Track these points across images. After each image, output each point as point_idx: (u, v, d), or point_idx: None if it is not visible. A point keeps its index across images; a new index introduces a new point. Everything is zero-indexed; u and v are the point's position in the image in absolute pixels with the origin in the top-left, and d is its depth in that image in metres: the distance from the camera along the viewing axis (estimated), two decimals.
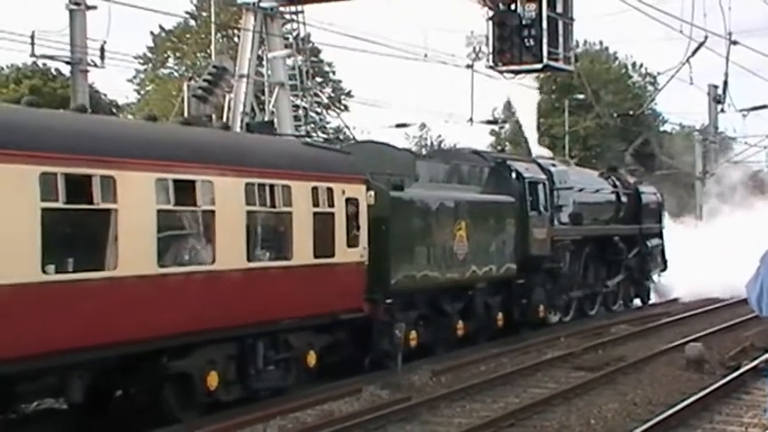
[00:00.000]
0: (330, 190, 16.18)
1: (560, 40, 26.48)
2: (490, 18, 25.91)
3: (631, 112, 55.01)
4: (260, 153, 15.45)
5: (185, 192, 13.48)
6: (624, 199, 28.89)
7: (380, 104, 79.48)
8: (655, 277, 31.31)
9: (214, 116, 28.14)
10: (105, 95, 54.80)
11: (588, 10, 75.69)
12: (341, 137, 47.46)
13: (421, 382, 16.67)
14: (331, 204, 16.21)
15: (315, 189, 15.88)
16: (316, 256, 15.82)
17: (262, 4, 28.38)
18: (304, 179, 15.69)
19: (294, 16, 30.39)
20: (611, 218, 28.38)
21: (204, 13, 54.24)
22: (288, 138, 17.81)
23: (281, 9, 29.50)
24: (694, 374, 17.60)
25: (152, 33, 60.54)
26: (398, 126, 54.91)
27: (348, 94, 63.00)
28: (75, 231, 12.43)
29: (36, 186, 11.44)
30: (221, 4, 47.00)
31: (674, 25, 28.25)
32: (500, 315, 21.76)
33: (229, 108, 28.86)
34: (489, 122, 63.92)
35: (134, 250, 12.66)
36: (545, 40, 25.74)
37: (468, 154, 23.08)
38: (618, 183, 28.99)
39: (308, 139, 18.02)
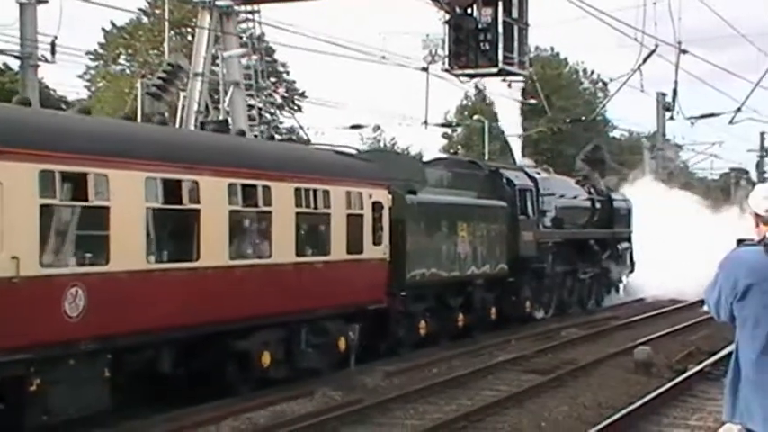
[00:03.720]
0: (360, 194, 19.19)
1: (515, 44, 27.37)
2: (447, 21, 26.50)
3: (584, 118, 58.36)
4: (305, 162, 18.44)
5: (250, 195, 16.43)
6: (598, 205, 32.03)
7: (335, 105, 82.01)
8: (623, 278, 34.60)
9: (167, 114, 30.30)
10: (55, 91, 56.35)
11: (543, 16, 79.14)
12: (294, 137, 49.69)
13: (374, 384, 17.52)
14: (360, 207, 19.19)
15: (348, 193, 18.89)
16: (348, 253, 18.81)
17: (217, 3, 29.48)
18: (339, 184, 18.69)
19: (250, 15, 31.98)
20: (587, 222, 31.47)
21: (158, 11, 55.83)
22: (325, 149, 20.77)
23: (237, 8, 30.73)
24: (642, 377, 18.37)
25: (103, 30, 61.99)
26: (353, 127, 57.26)
27: (302, 95, 65.21)
28: (168, 227, 15.22)
29: (143, 189, 14.26)
30: (175, 1, 49.03)
31: (629, 33, 29.52)
32: (494, 310, 24.95)
33: (183, 106, 30.17)
34: (443, 125, 67.08)
35: (211, 244, 15.55)
36: (500, 45, 26.51)
37: (465, 162, 26.20)
38: (593, 190, 32.14)
39: (339, 149, 20.91)
